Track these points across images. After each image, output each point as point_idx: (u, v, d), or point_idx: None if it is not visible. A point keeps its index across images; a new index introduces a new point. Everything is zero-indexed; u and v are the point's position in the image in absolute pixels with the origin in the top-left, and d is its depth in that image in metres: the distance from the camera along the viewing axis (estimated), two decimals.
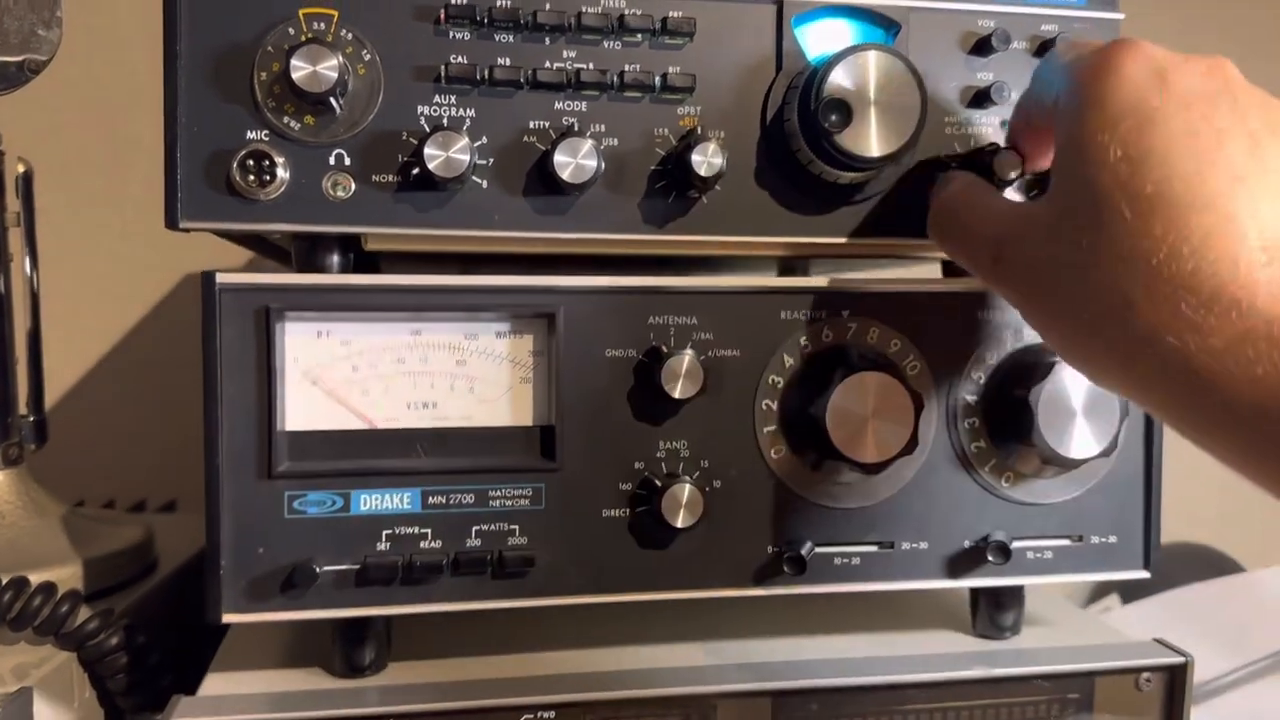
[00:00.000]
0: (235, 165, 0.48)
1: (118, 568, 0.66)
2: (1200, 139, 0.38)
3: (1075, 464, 0.53)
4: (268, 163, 0.49)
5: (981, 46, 0.55)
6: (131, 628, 0.58)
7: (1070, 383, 0.53)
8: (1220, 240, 0.36)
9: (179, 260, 1.00)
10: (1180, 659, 0.57)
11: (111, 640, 0.56)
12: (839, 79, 0.50)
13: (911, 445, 0.52)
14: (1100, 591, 1.08)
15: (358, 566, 0.50)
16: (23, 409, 0.69)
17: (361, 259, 0.54)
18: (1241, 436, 0.36)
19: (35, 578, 0.55)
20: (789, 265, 0.77)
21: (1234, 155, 0.37)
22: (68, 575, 0.61)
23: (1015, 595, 0.60)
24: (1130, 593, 1.03)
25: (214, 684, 0.53)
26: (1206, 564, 1.05)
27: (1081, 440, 0.53)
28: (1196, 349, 0.36)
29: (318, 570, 0.49)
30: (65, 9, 0.60)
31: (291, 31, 0.49)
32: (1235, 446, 0.37)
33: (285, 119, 0.49)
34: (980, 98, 0.55)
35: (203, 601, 0.49)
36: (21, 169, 0.67)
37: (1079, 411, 0.53)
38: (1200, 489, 1.09)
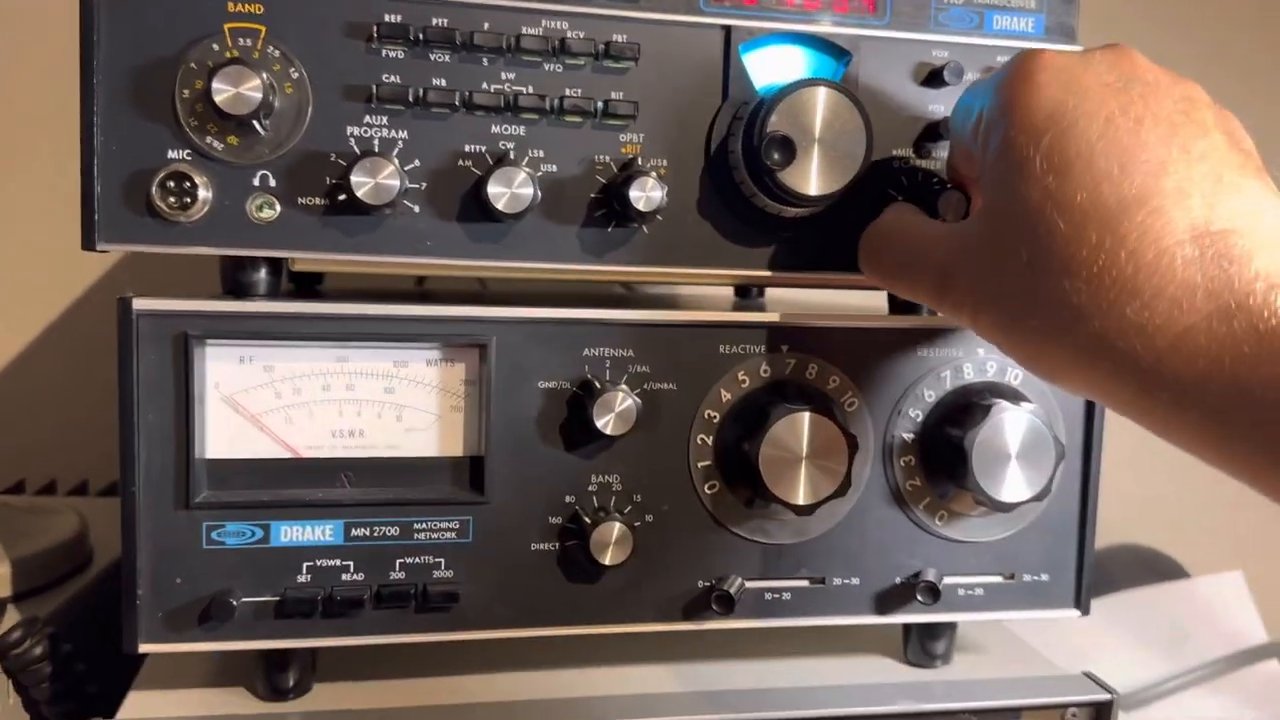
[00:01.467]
0: (155, 186, 0.47)
1: (48, 566, 0.65)
2: (1119, 133, 0.38)
3: (1008, 508, 0.53)
4: (189, 184, 0.47)
5: (934, 78, 0.53)
6: (56, 636, 0.57)
7: (1006, 426, 0.52)
8: (1154, 239, 0.36)
9: None
10: (1106, 696, 0.57)
11: (35, 650, 0.56)
12: (784, 115, 0.49)
13: (844, 488, 0.51)
14: None
15: (277, 599, 0.49)
16: None
17: (301, 274, 0.52)
18: (1198, 428, 0.36)
19: None
20: (743, 288, 0.76)
21: (1153, 143, 0.38)
22: None
23: (947, 626, 0.60)
24: None
25: (135, 704, 0.53)
26: (1149, 567, 1.06)
27: (1014, 484, 0.53)
28: (1144, 349, 0.36)
29: (235, 603, 0.48)
30: None
31: (215, 47, 0.47)
32: (1194, 437, 0.37)
33: (208, 139, 0.47)
34: (930, 131, 0.54)
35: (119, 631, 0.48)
36: None
37: (1013, 455, 0.52)
38: (1145, 490, 1.10)
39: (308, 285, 0.70)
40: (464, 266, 0.50)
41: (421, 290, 0.78)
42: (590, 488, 0.52)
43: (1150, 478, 1.11)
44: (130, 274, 0.98)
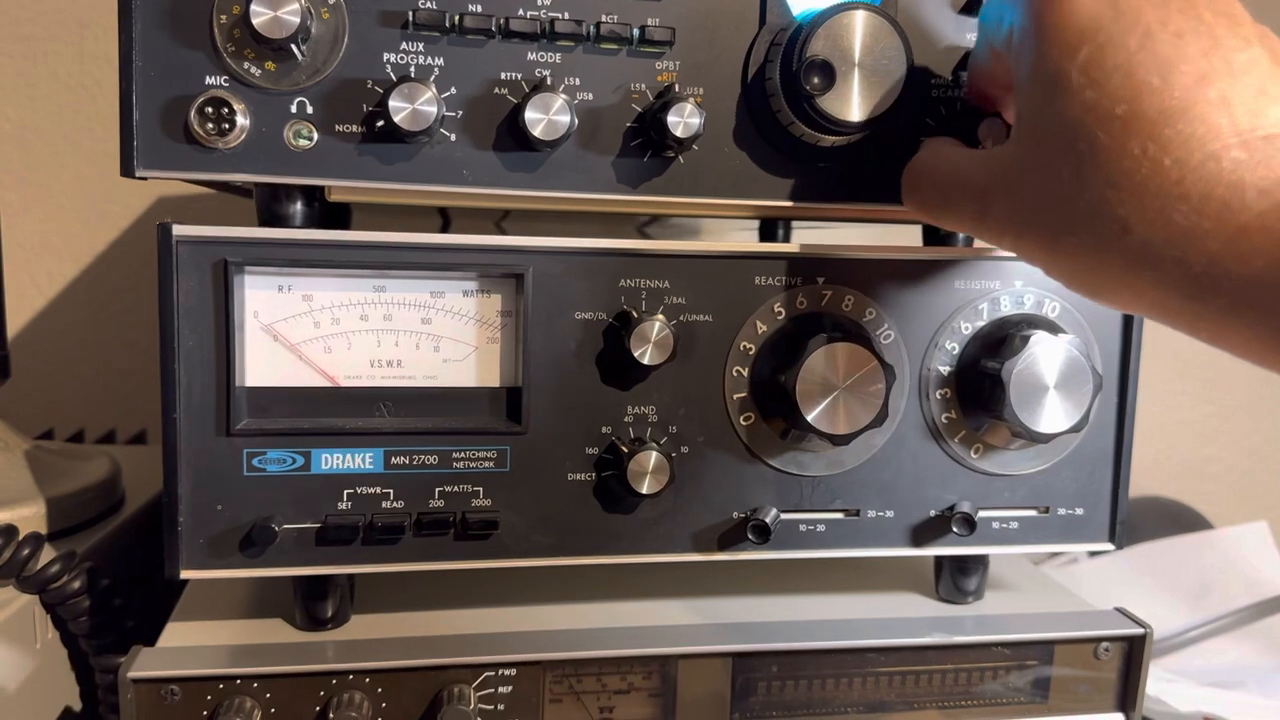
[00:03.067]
0: (193, 112, 0.47)
1: (83, 506, 0.66)
2: (1159, 45, 0.37)
3: (1045, 439, 0.53)
4: (227, 110, 0.47)
5: (973, 5, 0.53)
6: (94, 570, 0.57)
7: (1043, 357, 0.52)
8: (1199, 143, 0.36)
9: (151, 182, 0.98)
10: (1139, 630, 0.57)
11: (74, 584, 0.56)
12: (823, 40, 0.48)
13: (881, 418, 0.51)
14: None
15: (318, 525, 0.49)
16: None
17: (332, 206, 0.52)
18: (1255, 329, 0.36)
19: None
20: (770, 224, 0.76)
21: (1195, 55, 0.37)
22: (31, 515, 0.61)
23: (979, 561, 0.60)
24: None
25: (174, 634, 0.53)
26: (1174, 519, 1.06)
27: (1052, 415, 0.52)
28: (1196, 255, 0.36)
29: (277, 529, 0.49)
30: None
31: None
32: (1251, 340, 0.37)
33: (245, 65, 0.47)
34: (969, 58, 0.53)
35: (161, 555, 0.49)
36: None
37: (1051, 386, 0.52)
38: (1170, 443, 1.10)
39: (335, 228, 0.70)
40: (501, 196, 0.50)
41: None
42: (626, 419, 0.52)
43: (1174, 432, 1.10)
44: (150, 231, 0.98)
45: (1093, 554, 1.05)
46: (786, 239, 0.78)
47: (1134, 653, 0.57)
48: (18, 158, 0.95)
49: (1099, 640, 0.57)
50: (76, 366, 0.98)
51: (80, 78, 0.95)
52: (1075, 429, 0.53)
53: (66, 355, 0.98)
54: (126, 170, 0.47)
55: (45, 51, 0.95)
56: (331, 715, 0.48)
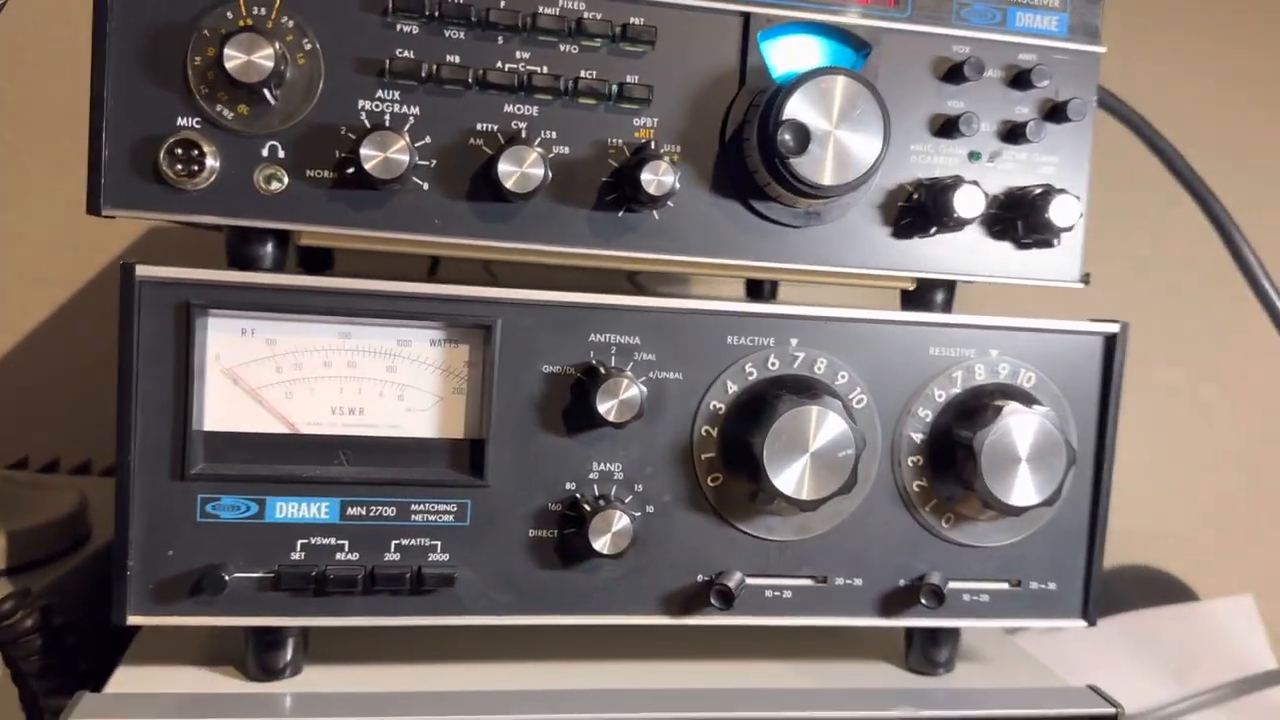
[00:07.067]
0: (163, 153, 0.46)
1: (46, 541, 0.65)
2: None
3: (1017, 511, 0.52)
4: (197, 151, 0.47)
5: (954, 73, 0.53)
6: (48, 609, 0.56)
7: (1016, 429, 0.51)
8: None
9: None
10: (1111, 710, 0.56)
11: (25, 622, 0.55)
12: (801, 102, 0.48)
13: (850, 484, 0.50)
14: None
15: (270, 575, 0.48)
16: None
17: (309, 257, 0.52)
18: None
19: None
20: (757, 284, 0.75)
21: None
22: None
23: (951, 632, 0.59)
24: None
25: (123, 679, 0.52)
26: (1161, 589, 1.04)
27: (1024, 488, 0.52)
28: None
29: (227, 577, 0.48)
30: None
31: (229, 15, 0.46)
32: None
33: (218, 107, 0.47)
34: (948, 127, 0.53)
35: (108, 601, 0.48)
36: None
37: (1024, 459, 0.51)
38: (1154, 512, 1.09)
39: (316, 269, 0.70)
40: (471, 246, 0.50)
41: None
42: (591, 475, 0.51)
43: (1160, 499, 1.09)
44: (138, 258, 0.98)
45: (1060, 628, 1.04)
46: (773, 298, 0.77)
47: None
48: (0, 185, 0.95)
49: (1070, 719, 0.56)
50: (53, 395, 0.97)
51: (66, 108, 0.95)
52: (1047, 503, 0.52)
53: (43, 383, 0.97)
54: (93, 208, 0.47)
55: (33, 79, 0.95)
56: None
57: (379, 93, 0.48)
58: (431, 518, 0.50)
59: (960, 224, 0.52)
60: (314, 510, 0.49)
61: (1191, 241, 0.86)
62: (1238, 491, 1.12)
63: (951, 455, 0.53)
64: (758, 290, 0.80)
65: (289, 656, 0.52)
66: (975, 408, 0.53)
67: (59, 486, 0.76)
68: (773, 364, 0.53)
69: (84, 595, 0.65)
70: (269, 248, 0.50)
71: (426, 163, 0.49)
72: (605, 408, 0.49)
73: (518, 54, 0.49)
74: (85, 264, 0.99)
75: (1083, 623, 0.57)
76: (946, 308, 0.58)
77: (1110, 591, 0.58)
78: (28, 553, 0.63)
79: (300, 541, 0.49)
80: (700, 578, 0.53)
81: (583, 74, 0.50)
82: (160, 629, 0.57)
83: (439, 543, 0.50)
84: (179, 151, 0.47)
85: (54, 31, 0.95)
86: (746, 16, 0.51)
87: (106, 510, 0.74)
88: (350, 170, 0.48)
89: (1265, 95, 1.10)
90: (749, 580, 0.53)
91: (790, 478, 0.50)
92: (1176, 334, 1.07)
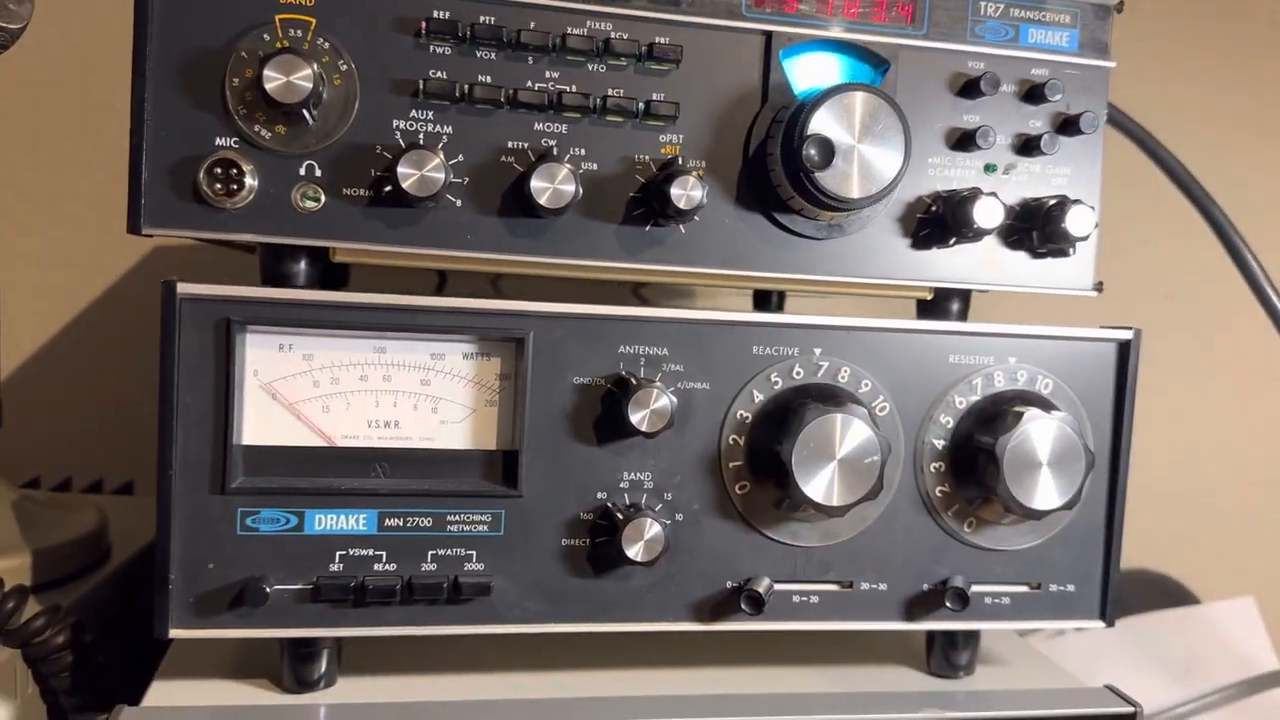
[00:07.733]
0: (202, 172, 0.47)
1: (69, 558, 0.65)
2: None
3: (1039, 515, 0.53)
4: (236, 171, 0.48)
5: (969, 88, 0.54)
6: (78, 625, 0.57)
7: (1036, 434, 0.52)
8: None
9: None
10: (1130, 709, 0.57)
11: (57, 639, 0.55)
12: (824, 118, 0.49)
13: (876, 490, 0.51)
14: None
15: (309, 587, 0.49)
16: None
17: (330, 264, 0.53)
18: None
19: None
20: (763, 293, 0.76)
21: None
22: (16, 566, 0.60)
23: (971, 635, 0.60)
24: None
25: (159, 693, 0.52)
26: (1163, 593, 1.06)
27: (1045, 492, 0.53)
28: None
29: (268, 589, 0.48)
30: None
31: (266, 37, 0.47)
32: None
33: (256, 127, 0.48)
34: (965, 140, 0.54)
35: (150, 614, 0.48)
36: None
37: (1044, 463, 0.53)
38: (1158, 516, 1.10)
39: (332, 287, 0.71)
40: (504, 261, 0.51)
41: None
42: (622, 484, 0.52)
43: (1160, 503, 1.11)
44: (145, 281, 0.98)
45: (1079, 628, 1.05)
46: (780, 308, 0.78)
47: None
48: (14, 203, 0.96)
49: (1089, 719, 0.57)
50: (65, 415, 0.97)
51: (81, 124, 0.96)
52: (1068, 506, 0.53)
53: (56, 403, 0.97)
54: (133, 227, 0.47)
55: (48, 96, 0.96)
56: None
57: (413, 112, 0.49)
58: (467, 528, 0.51)
59: (980, 235, 0.53)
60: (352, 522, 0.50)
61: (1192, 246, 0.87)
62: (1238, 494, 1.13)
63: (973, 461, 0.54)
64: (765, 301, 0.81)
65: (324, 668, 0.53)
66: (996, 414, 0.54)
67: (78, 505, 0.76)
68: (797, 373, 0.54)
69: (110, 612, 0.65)
70: (303, 265, 0.51)
71: (460, 180, 0.50)
72: (637, 418, 0.50)
73: (547, 74, 0.50)
74: (90, 285, 1.00)
75: (1101, 623, 0.58)
76: (962, 316, 0.59)
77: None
78: (52, 570, 0.63)
79: (339, 553, 0.49)
80: (729, 584, 0.54)
81: (610, 92, 0.51)
82: (192, 643, 0.58)
83: (474, 552, 0.51)
84: (218, 171, 0.48)
85: (54, 49, 0.96)
86: (769, 35, 0.52)
87: (123, 529, 0.74)
88: (386, 188, 0.49)
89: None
90: (777, 586, 0.54)
91: (819, 484, 0.51)
92: (1176, 338, 1.08)
